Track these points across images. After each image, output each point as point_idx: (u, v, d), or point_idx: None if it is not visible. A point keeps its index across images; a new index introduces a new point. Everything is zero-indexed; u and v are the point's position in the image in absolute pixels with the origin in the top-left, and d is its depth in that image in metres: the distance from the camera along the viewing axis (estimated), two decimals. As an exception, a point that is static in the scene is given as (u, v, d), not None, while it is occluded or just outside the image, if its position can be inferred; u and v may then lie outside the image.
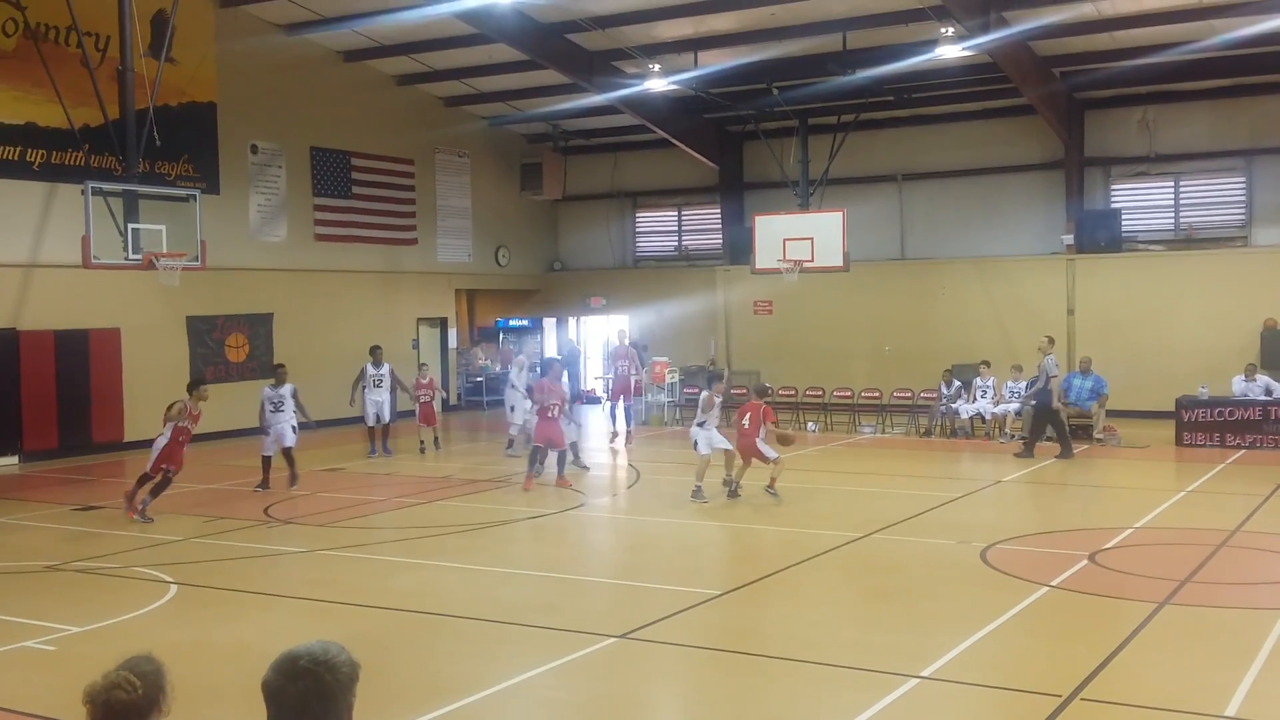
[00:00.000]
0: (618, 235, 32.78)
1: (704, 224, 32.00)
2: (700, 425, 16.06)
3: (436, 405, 22.61)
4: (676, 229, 32.63)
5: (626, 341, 24.45)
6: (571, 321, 33.51)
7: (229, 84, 24.11)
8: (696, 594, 10.56)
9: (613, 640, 9.14)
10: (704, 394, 16.38)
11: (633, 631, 9.34)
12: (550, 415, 16.66)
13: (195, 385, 15.47)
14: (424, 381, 22.04)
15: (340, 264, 26.85)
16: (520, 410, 20.22)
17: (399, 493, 16.91)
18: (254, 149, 25.10)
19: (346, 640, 3.16)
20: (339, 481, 18.11)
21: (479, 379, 30.73)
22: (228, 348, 24.39)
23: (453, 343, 30.29)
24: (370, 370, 20.86)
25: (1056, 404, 19.74)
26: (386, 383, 20.93)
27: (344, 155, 27.09)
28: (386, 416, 20.93)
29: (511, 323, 32.72)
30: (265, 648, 3.19)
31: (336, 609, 10.38)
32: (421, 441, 21.64)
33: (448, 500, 16.21)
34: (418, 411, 21.72)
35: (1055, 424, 19.76)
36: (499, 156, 31.62)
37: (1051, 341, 20.14)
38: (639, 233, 32.99)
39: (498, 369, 31.17)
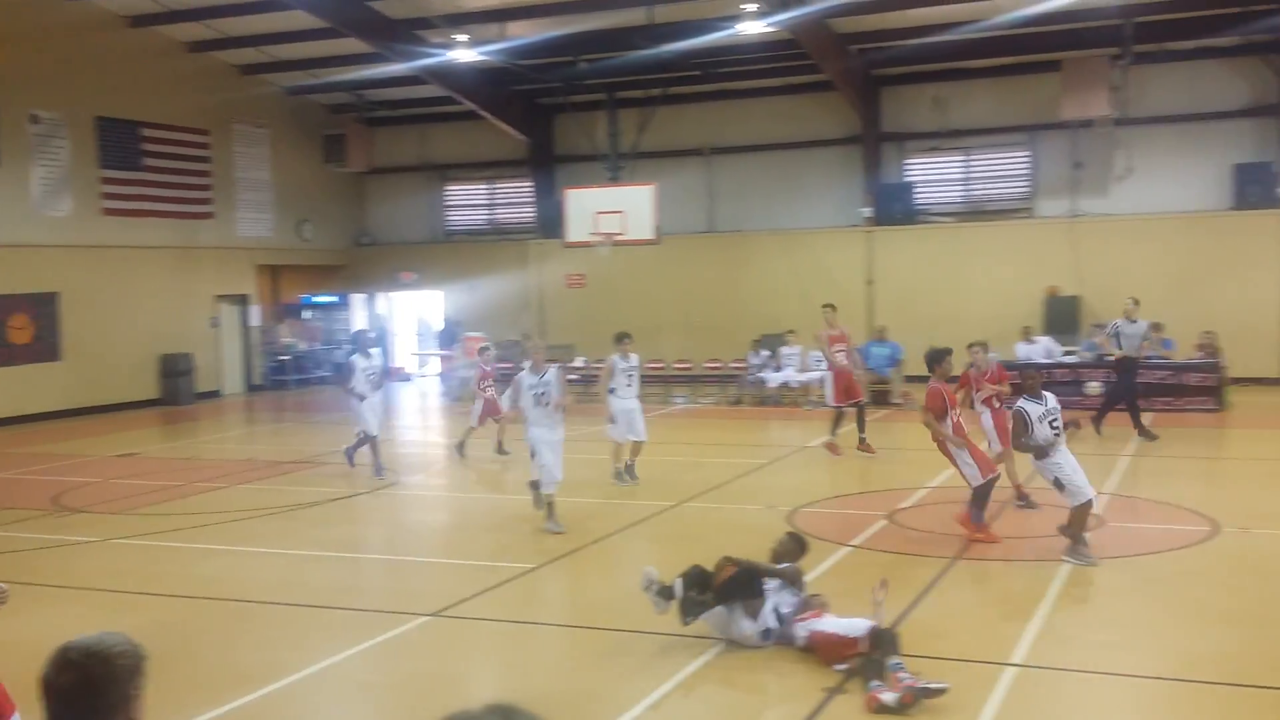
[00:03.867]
0: (427, 209, 32.27)
1: (515, 197, 31.78)
2: (611, 392, 15.17)
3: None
4: (487, 202, 32.33)
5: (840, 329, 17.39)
6: (380, 297, 32.85)
7: (3, 50, 22.62)
8: (510, 569, 10.57)
9: (425, 619, 9.06)
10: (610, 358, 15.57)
11: (445, 609, 9.28)
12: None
13: None
14: (487, 369, 18.30)
15: (131, 239, 25.59)
16: (369, 416, 16.22)
17: (197, 478, 16.32)
18: (34, 119, 23.64)
19: (145, 630, 3.06)
20: (133, 466, 17.37)
21: (284, 358, 29.78)
22: (10, 329, 23.02)
23: (254, 320, 29.29)
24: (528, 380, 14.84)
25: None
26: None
27: (132, 125, 25.77)
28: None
29: (317, 299, 31.83)
30: (56, 643, 3.06)
31: (135, 599, 9.98)
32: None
33: (251, 484, 15.72)
34: (484, 406, 17.77)
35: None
36: (301, 127, 30.64)
37: (1136, 304, 18.45)
38: (448, 206, 32.53)
39: (303, 347, 30.29)
